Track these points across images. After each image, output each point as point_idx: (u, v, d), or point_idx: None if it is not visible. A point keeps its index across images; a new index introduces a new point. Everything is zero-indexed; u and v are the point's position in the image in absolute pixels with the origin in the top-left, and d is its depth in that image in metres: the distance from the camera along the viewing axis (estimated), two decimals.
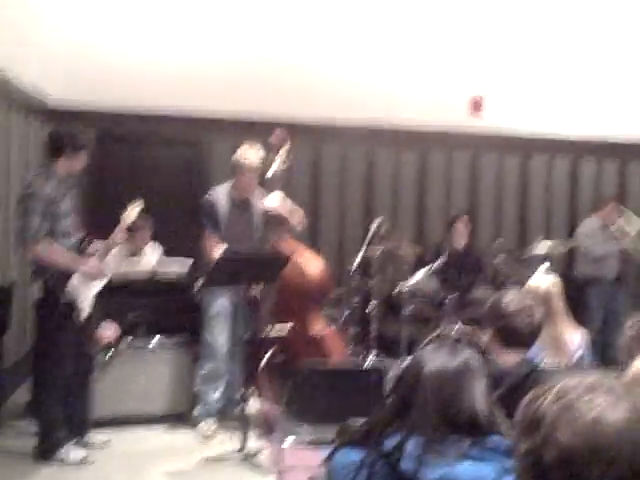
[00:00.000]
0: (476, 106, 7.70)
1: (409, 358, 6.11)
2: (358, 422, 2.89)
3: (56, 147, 4.54)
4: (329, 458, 2.25)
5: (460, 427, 2.07)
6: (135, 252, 6.15)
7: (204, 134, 7.32)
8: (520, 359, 3.12)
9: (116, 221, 4.79)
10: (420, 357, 2.19)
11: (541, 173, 8.01)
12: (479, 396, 2.11)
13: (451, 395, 2.09)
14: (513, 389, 2.97)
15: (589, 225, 7.34)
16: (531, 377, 3.04)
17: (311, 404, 3.84)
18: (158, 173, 7.34)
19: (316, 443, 3.86)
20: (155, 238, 6.35)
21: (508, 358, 3.13)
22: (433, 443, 2.03)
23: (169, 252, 6.37)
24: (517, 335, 3.13)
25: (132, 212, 4.69)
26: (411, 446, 2.03)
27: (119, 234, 4.66)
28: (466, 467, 2.00)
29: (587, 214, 7.55)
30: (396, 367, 6.01)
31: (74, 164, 4.60)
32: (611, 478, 1.14)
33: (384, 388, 3.88)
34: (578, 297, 6.79)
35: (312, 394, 3.85)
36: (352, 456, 2.13)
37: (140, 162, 7.31)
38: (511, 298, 3.25)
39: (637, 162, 8.12)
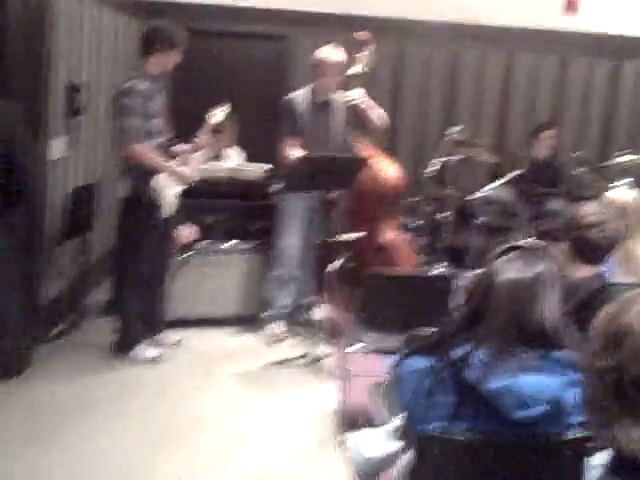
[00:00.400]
0: (571, 4, 7.30)
1: (479, 268, 6.03)
2: (426, 331, 2.89)
3: (149, 44, 4.53)
4: (398, 365, 2.26)
5: (529, 339, 2.05)
6: (218, 155, 6.12)
7: (290, 29, 7.19)
8: (593, 273, 3.04)
9: (201, 121, 4.81)
10: (494, 267, 2.17)
11: (631, 79, 7.60)
12: (551, 309, 2.09)
13: (523, 306, 2.08)
14: (584, 303, 2.91)
15: None
16: (603, 292, 2.97)
17: (379, 311, 3.83)
18: (243, 70, 7.29)
19: (381, 351, 3.85)
20: (239, 141, 6.32)
21: (581, 271, 3.06)
22: (501, 354, 2.02)
23: (252, 157, 6.34)
24: (591, 248, 3.07)
25: (219, 115, 4.69)
26: (478, 356, 2.01)
27: (204, 136, 4.67)
28: (530, 378, 2.01)
29: None
30: (464, 277, 5.99)
31: (166, 62, 4.59)
32: None
33: (451, 296, 3.84)
34: None
35: (380, 301, 3.83)
36: (420, 363, 2.17)
37: (225, 58, 7.25)
38: (588, 210, 3.18)
39: None
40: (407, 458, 2.40)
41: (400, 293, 3.89)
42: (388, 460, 2.62)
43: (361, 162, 4.88)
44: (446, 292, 3.82)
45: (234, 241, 5.49)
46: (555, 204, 6.16)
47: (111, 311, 5.14)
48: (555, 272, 2.16)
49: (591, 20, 7.29)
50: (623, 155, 6.40)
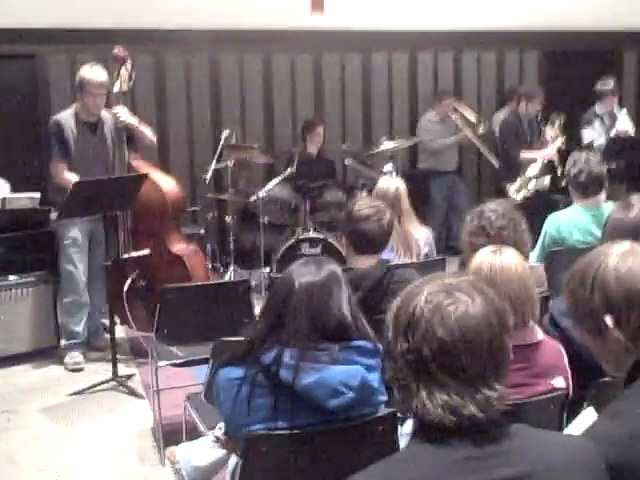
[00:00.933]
0: (317, 4, 7.68)
1: (269, 267, 6.27)
2: (231, 339, 3.03)
3: None
4: (213, 376, 2.37)
5: (330, 334, 2.24)
6: None
7: (40, 48, 6.99)
8: (375, 262, 3.31)
9: None
10: (289, 273, 2.34)
11: (382, 70, 8.15)
12: (344, 303, 2.29)
13: (320, 305, 2.26)
14: (372, 290, 3.17)
15: (427, 119, 7.63)
16: (387, 276, 3.25)
17: (180, 324, 3.90)
18: None
19: (189, 363, 3.94)
20: None
21: (364, 262, 3.31)
22: (307, 351, 2.19)
23: (15, 184, 6.12)
24: (368, 239, 3.31)
25: None
26: (287, 357, 2.18)
27: None
28: (337, 369, 2.20)
29: (427, 109, 7.82)
30: (257, 276, 6.19)
31: None
32: (476, 359, 1.37)
33: (251, 299, 4.00)
34: (421, 191, 7.13)
35: (181, 314, 3.90)
36: (234, 373, 2.29)
37: None
38: (361, 204, 3.44)
39: (470, 51, 8.40)
40: (234, 461, 2.54)
41: (199, 303, 3.99)
42: (217, 465, 2.75)
43: (140, 179, 4.91)
44: (247, 297, 3.95)
45: (15, 275, 5.31)
46: (330, 195, 6.52)
47: None
48: (340, 270, 2.39)
49: (338, 16, 7.73)
50: (382, 142, 6.90)
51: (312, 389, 2.20)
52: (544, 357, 2.47)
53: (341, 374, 2.23)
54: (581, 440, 1.53)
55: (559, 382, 2.47)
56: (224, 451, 2.70)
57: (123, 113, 5.17)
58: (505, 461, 1.36)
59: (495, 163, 7.33)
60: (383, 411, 2.34)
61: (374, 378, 2.27)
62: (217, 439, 2.67)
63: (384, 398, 2.34)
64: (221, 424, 2.66)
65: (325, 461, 2.32)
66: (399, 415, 2.37)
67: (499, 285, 2.41)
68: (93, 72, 5.09)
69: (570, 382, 2.51)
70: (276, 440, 2.24)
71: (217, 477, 2.81)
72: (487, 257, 2.52)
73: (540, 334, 2.52)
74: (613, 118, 7.19)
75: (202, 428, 3.19)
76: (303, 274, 2.32)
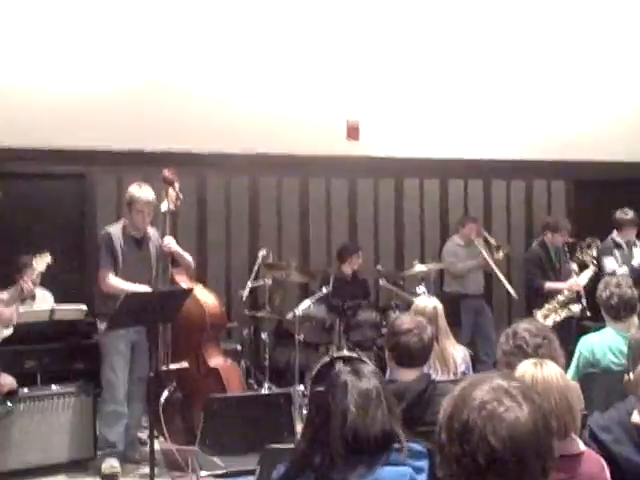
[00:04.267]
0: (352, 132, 8.08)
1: (304, 387, 6.32)
2: (280, 447, 3.13)
3: None
4: None
5: (373, 443, 2.34)
6: (24, 297, 6.06)
7: (88, 168, 7.38)
8: (417, 375, 3.42)
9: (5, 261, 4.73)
10: (329, 386, 2.46)
11: (414, 196, 8.45)
12: (388, 414, 2.40)
13: (364, 416, 2.36)
14: (415, 402, 3.27)
15: (451, 244, 7.83)
16: (429, 390, 3.35)
17: (224, 435, 3.99)
18: (44, 210, 7.32)
19: (231, 475, 4.00)
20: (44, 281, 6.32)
21: (406, 375, 3.43)
22: (351, 457, 2.29)
23: (60, 297, 6.36)
24: (412, 352, 3.44)
25: (42, 263, 4.72)
26: (338, 459, 2.28)
27: (27, 283, 4.67)
28: (387, 470, 2.29)
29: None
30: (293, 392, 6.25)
31: None
32: (525, 463, 1.47)
33: (292, 411, 4.09)
34: (451, 314, 7.23)
35: (224, 425, 4.00)
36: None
37: (23, 200, 7.23)
38: (403, 319, 3.59)
39: (499, 180, 8.70)
40: None
41: (242, 414, 4.09)
42: None
43: (186, 293, 5.11)
44: (287, 408, 4.05)
45: (57, 385, 5.43)
46: (364, 315, 6.67)
47: None
48: (379, 385, 2.50)
49: (372, 145, 8.11)
50: (414, 265, 7.10)
51: None
52: (586, 468, 2.53)
53: (391, 474, 2.32)
54: None
55: None
56: None
57: (172, 243, 5.44)
58: None
59: (512, 291, 7.45)
60: None
61: (421, 479, 2.36)
62: None
63: None
64: None
65: None
66: None
67: (541, 397, 2.51)
68: (142, 191, 5.39)
69: None
70: None
71: None
72: (529, 369, 2.63)
73: (582, 445, 2.59)
74: (630, 247, 7.29)
75: None
76: (345, 387, 2.44)
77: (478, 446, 1.48)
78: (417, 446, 2.41)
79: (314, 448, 2.41)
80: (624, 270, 7.03)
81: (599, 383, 4.11)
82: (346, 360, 6.15)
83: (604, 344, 4.33)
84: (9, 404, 5.14)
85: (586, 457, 2.57)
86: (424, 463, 2.39)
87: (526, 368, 2.65)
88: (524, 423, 1.49)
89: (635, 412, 2.43)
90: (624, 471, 2.65)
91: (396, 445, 2.39)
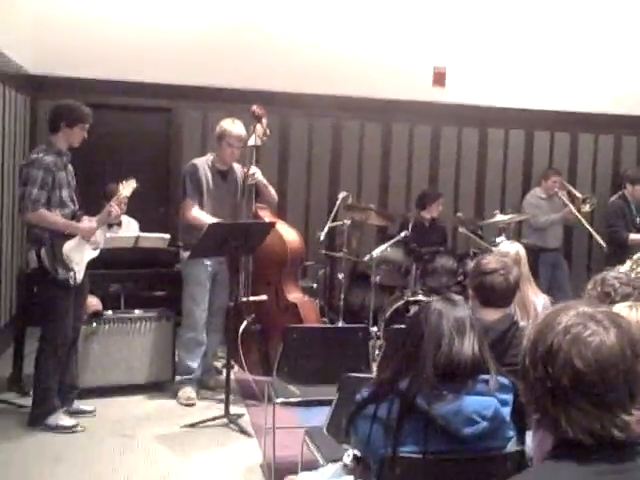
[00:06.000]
0: (438, 78, 7.96)
1: (377, 328, 6.33)
2: (358, 375, 3.15)
3: (56, 121, 4.72)
4: (357, 410, 2.46)
5: (463, 369, 2.34)
6: (111, 223, 6.19)
7: (175, 102, 7.46)
8: (501, 315, 3.39)
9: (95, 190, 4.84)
10: (423, 311, 2.46)
11: (498, 146, 8.31)
12: (476, 342, 2.38)
13: (455, 344, 2.35)
14: (497, 342, 3.24)
15: (533, 196, 7.68)
16: (511, 330, 3.32)
17: (301, 365, 4.04)
18: (131, 141, 7.46)
19: (306, 403, 4.06)
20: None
21: (490, 315, 3.40)
22: (441, 384, 2.30)
23: (141, 227, 6.52)
24: (496, 291, 3.41)
25: (128, 188, 4.83)
26: (424, 385, 2.29)
27: (114, 208, 4.78)
28: (472, 399, 2.29)
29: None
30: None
31: (73, 138, 4.76)
32: (612, 387, 1.45)
33: (369, 346, 4.12)
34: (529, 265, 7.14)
35: (302, 355, 4.05)
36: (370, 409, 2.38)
37: (116, 130, 7.38)
38: (489, 259, 3.55)
39: (586, 134, 8.48)
40: None
41: (319, 346, 4.13)
42: None
43: (269, 227, 5.16)
44: (365, 342, 4.08)
45: (139, 310, 5.59)
46: (441, 262, 6.62)
47: (13, 386, 5.23)
48: (471, 315, 2.49)
49: (458, 90, 7.98)
50: (494, 215, 7.00)
51: (449, 416, 2.30)
52: None
53: (476, 404, 2.32)
54: None
55: None
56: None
57: (258, 173, 5.50)
58: None
59: (602, 242, 7.29)
60: (513, 447, 2.41)
61: (506, 412, 2.35)
62: (346, 465, 2.77)
63: (513, 434, 2.41)
64: (349, 451, 2.77)
65: None
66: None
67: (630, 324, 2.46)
68: (235, 126, 5.42)
69: None
70: (409, 463, 2.33)
71: None
72: (624, 311, 2.57)
73: None
74: None
75: (321, 460, 3.29)
76: (439, 314, 2.44)
77: (563, 369, 1.47)
78: (504, 379, 2.40)
79: (402, 373, 2.42)
80: None
81: None
82: (420, 305, 6.16)
83: None
84: (94, 324, 5.32)
85: None
86: (509, 397, 2.38)
87: (620, 310, 2.59)
88: (610, 346, 1.47)
89: None
90: None
91: (484, 376, 2.38)
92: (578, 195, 7.53)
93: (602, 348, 1.46)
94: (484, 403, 2.33)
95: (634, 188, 6.98)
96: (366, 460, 2.52)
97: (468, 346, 2.37)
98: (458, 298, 2.55)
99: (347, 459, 2.77)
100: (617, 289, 3.20)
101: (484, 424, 2.32)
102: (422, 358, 2.36)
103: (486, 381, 2.37)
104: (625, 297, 3.15)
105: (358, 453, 2.62)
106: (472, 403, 2.32)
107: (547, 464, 1.54)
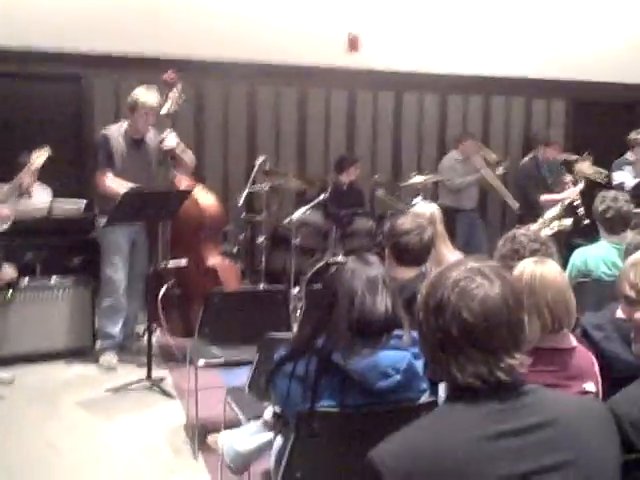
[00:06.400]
0: (353, 44, 8.01)
1: (298, 290, 6.42)
2: (278, 335, 3.23)
3: None
4: (276, 367, 2.53)
5: (376, 324, 2.43)
6: (21, 193, 6.09)
7: (86, 70, 7.29)
8: (415, 274, 3.51)
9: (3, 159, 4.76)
10: (337, 271, 2.54)
11: (413, 110, 8.44)
12: (388, 300, 2.48)
13: (368, 301, 2.44)
14: (411, 299, 3.35)
15: (449, 159, 7.85)
16: None
17: (222, 327, 4.10)
18: (41, 111, 7.26)
19: (228, 364, 4.13)
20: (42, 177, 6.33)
21: (404, 273, 3.52)
22: (355, 340, 2.39)
23: (56, 192, 6.40)
24: (410, 251, 3.53)
25: (40, 157, 4.75)
26: (339, 342, 2.37)
27: (26, 178, 4.70)
28: (386, 354, 2.39)
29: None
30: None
31: None
32: (497, 334, 1.59)
33: (288, 307, 4.21)
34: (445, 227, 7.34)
35: (223, 318, 4.11)
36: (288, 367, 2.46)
37: (21, 100, 7.19)
38: (404, 220, 3.66)
39: (499, 97, 8.69)
40: (278, 444, 2.72)
41: (240, 309, 4.19)
42: (259, 450, 2.93)
43: (185, 194, 5.16)
44: (285, 304, 4.16)
45: (55, 277, 5.54)
46: (359, 224, 6.74)
47: None
48: (384, 273, 2.59)
49: (373, 56, 8.04)
50: (412, 177, 7.14)
51: (364, 371, 2.39)
52: (577, 362, 2.64)
53: (390, 358, 2.42)
54: (588, 398, 1.77)
55: (590, 386, 2.64)
56: (267, 437, 2.89)
57: (171, 139, 5.45)
58: (528, 412, 1.58)
59: (512, 205, 7.53)
60: (426, 398, 2.52)
61: (419, 365, 2.47)
62: (266, 422, 2.85)
63: (426, 386, 2.53)
64: (269, 408, 2.85)
65: (370, 441, 2.48)
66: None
67: (538, 291, 2.60)
68: (149, 95, 5.35)
69: (600, 387, 2.68)
70: (327, 417, 2.42)
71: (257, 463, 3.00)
72: (529, 266, 2.70)
73: (574, 341, 2.70)
74: None
75: (242, 418, 3.37)
76: (352, 273, 2.52)
77: (452, 320, 1.59)
78: (414, 333, 2.50)
79: (318, 331, 2.50)
80: (633, 182, 7.08)
81: (590, 291, 4.20)
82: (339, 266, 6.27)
83: (598, 256, 4.43)
84: (10, 292, 5.24)
85: (577, 352, 2.68)
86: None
87: (525, 265, 2.73)
88: (494, 297, 1.59)
89: (619, 308, 2.53)
90: (613, 367, 2.77)
91: (397, 332, 2.48)
92: (491, 157, 7.74)
93: (487, 299, 1.59)
94: (398, 357, 2.43)
95: (546, 149, 7.20)
96: (285, 416, 2.61)
97: (381, 303, 2.46)
98: (372, 258, 2.64)
99: (267, 415, 2.86)
100: (525, 245, 3.36)
101: (398, 377, 2.42)
102: (336, 316, 2.44)
103: (400, 336, 2.47)
104: (533, 252, 3.31)
105: (278, 410, 2.70)
106: (386, 357, 2.42)
107: (441, 408, 1.68)
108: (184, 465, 3.93)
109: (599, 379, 2.69)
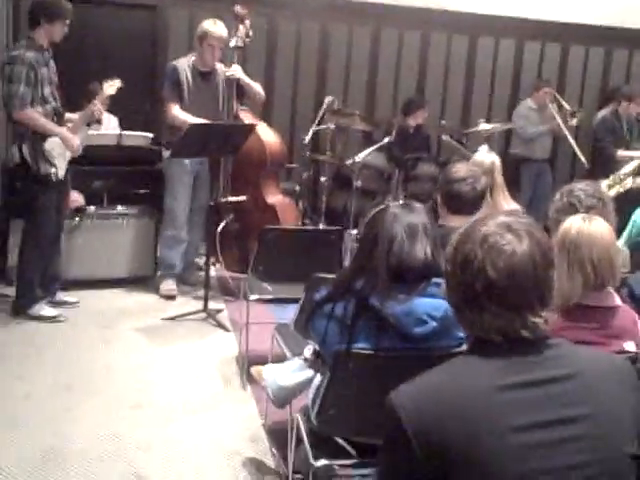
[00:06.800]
0: None
1: (358, 232, 6.47)
2: (326, 276, 3.28)
3: (36, 16, 4.69)
4: (315, 309, 2.59)
5: (416, 274, 2.46)
6: (92, 121, 6.23)
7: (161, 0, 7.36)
8: (467, 221, 3.50)
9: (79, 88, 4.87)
10: (380, 215, 2.56)
11: (487, 54, 8.27)
12: (428, 249, 2.49)
13: (406, 247, 2.46)
14: None
15: (524, 107, 7.68)
16: None
17: (275, 264, 4.18)
18: (117, 39, 7.37)
19: (280, 300, 4.23)
20: (112, 107, 6.46)
21: (455, 221, 3.51)
22: (393, 285, 2.42)
23: (123, 125, 6.54)
24: (462, 199, 3.52)
25: (111, 87, 4.85)
26: (378, 286, 2.41)
27: (97, 107, 4.82)
28: (423, 301, 2.42)
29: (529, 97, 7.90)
30: (345, 237, 6.43)
31: (53, 33, 4.73)
32: (521, 291, 1.59)
33: (342, 249, 4.25)
34: (511, 175, 7.24)
35: (277, 255, 4.18)
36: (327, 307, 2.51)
37: (99, 27, 7.30)
38: (459, 167, 3.65)
39: (578, 46, 8.43)
40: (317, 381, 2.80)
41: (294, 247, 4.26)
42: (301, 385, 3.02)
43: (250, 129, 5.21)
44: (339, 245, 4.21)
45: (121, 207, 5.70)
46: (423, 169, 6.71)
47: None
48: (426, 221, 2.58)
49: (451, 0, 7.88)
50: (479, 124, 7.04)
51: (399, 316, 2.43)
52: (618, 321, 2.63)
53: (426, 305, 2.45)
54: (616, 356, 1.77)
55: (630, 346, 2.63)
56: (309, 373, 2.97)
57: (238, 71, 5.49)
58: (549, 365, 1.59)
59: (583, 160, 7.34)
60: (463, 347, 2.55)
61: None
62: (306, 359, 2.94)
63: (463, 335, 2.55)
64: (310, 346, 2.92)
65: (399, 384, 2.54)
66: None
67: (583, 248, 2.59)
68: (216, 26, 5.39)
69: None
70: (362, 358, 2.48)
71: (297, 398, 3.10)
72: (576, 222, 2.68)
73: (618, 300, 2.68)
74: None
75: (288, 354, 3.46)
76: (394, 216, 2.54)
77: (477, 276, 1.60)
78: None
79: (358, 273, 2.54)
80: None
81: None
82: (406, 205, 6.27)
83: None
84: (77, 219, 5.43)
85: (621, 311, 2.67)
86: None
87: (573, 221, 2.71)
88: (521, 254, 1.59)
89: None
90: None
91: (436, 279, 2.50)
92: (567, 108, 7.55)
93: (513, 257, 1.59)
94: (434, 304, 2.46)
95: (629, 105, 7.00)
96: (323, 355, 2.68)
97: (420, 250, 2.48)
98: (417, 205, 2.65)
99: (308, 353, 2.94)
100: (582, 200, 3.30)
101: (434, 324, 2.45)
102: (376, 259, 2.47)
103: (439, 284, 2.49)
104: (589, 209, 3.26)
105: (317, 348, 2.78)
106: (423, 304, 2.45)
107: (463, 357, 1.69)
108: (232, 395, 4.07)
109: None
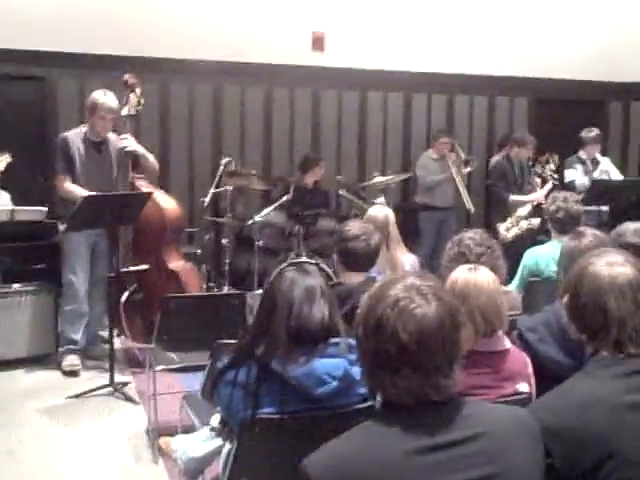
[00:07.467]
0: (318, 42, 8.08)
1: (262, 288, 6.47)
2: (229, 342, 3.29)
3: None
4: (219, 375, 2.60)
5: (313, 333, 2.51)
6: None
7: (50, 70, 7.32)
8: (363, 278, 3.60)
9: None
10: (277, 280, 2.61)
11: (377, 109, 8.52)
12: (326, 310, 2.55)
13: (305, 310, 2.52)
14: (357, 306, 3.43)
15: (425, 157, 7.93)
16: None
17: (179, 332, 4.15)
18: (3, 112, 7.27)
19: (185, 369, 4.19)
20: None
21: (353, 278, 3.60)
22: (293, 348, 2.46)
23: (16, 199, 6.41)
24: (357, 256, 3.63)
25: (0, 163, 4.77)
26: (278, 351, 2.45)
27: None
28: (323, 362, 2.47)
29: (420, 147, 8.17)
30: (250, 298, 6.44)
31: None
32: (432, 354, 1.64)
33: (245, 312, 4.27)
34: (412, 224, 7.44)
35: (180, 323, 4.16)
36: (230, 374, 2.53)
37: None
38: (352, 225, 3.76)
39: (463, 95, 8.79)
40: (227, 449, 2.79)
41: (197, 314, 4.25)
42: (211, 455, 3.01)
43: (146, 197, 5.20)
44: (241, 308, 4.22)
45: (18, 284, 5.56)
46: (323, 224, 6.82)
47: None
48: (322, 283, 2.65)
49: (337, 55, 8.12)
50: (374, 177, 7.23)
51: (301, 379, 2.47)
52: (510, 364, 2.74)
53: (326, 366, 2.50)
54: (519, 409, 1.84)
55: (523, 387, 2.73)
56: (218, 442, 2.96)
57: (130, 142, 5.49)
58: (458, 426, 1.64)
59: (468, 205, 7.57)
60: (364, 403, 2.60)
61: (356, 371, 2.54)
62: (213, 428, 2.93)
63: (364, 391, 2.61)
64: (217, 415, 2.92)
65: (311, 446, 2.56)
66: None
67: (471, 297, 2.70)
68: (106, 97, 5.40)
69: (534, 388, 2.77)
70: (268, 423, 2.50)
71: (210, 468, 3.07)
72: (463, 273, 2.79)
73: (508, 343, 2.79)
74: (595, 164, 7.49)
75: (197, 423, 3.43)
76: (290, 282, 2.59)
77: (390, 340, 1.64)
78: (354, 341, 2.58)
79: (258, 339, 2.58)
80: (584, 181, 7.20)
81: (541, 290, 4.32)
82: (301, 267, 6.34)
83: (548, 255, 4.52)
84: None
85: (511, 354, 2.77)
86: (357, 356, 2.56)
87: (461, 272, 2.82)
88: (431, 318, 1.64)
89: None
90: (547, 369, 2.86)
91: (334, 339, 2.56)
92: (462, 156, 7.81)
93: (424, 320, 1.64)
94: (334, 364, 2.51)
95: (520, 150, 7.31)
96: (230, 423, 2.68)
97: (318, 311, 2.53)
98: (311, 267, 2.71)
99: (215, 422, 2.94)
100: (472, 249, 3.45)
101: (335, 384, 2.50)
102: (275, 324, 2.52)
103: (337, 344, 2.55)
104: (478, 256, 3.40)
105: (223, 416, 2.78)
106: (323, 365, 2.50)
107: (372, 421, 1.72)
108: (145, 470, 3.98)
109: (533, 380, 2.79)
